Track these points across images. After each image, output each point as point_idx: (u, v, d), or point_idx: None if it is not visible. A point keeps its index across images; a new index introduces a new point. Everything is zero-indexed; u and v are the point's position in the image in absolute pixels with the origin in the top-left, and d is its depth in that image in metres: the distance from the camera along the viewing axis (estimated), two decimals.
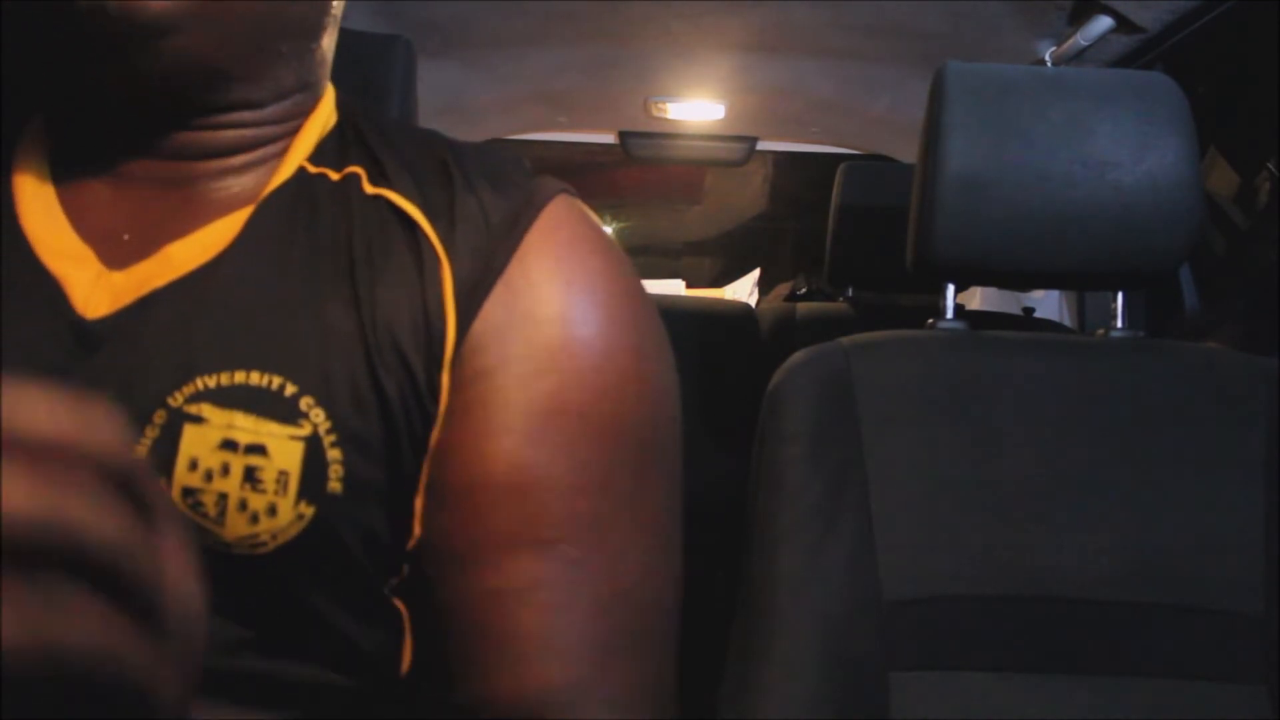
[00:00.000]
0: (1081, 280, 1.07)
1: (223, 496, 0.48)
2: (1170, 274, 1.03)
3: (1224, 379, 0.99)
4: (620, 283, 0.57)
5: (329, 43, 0.61)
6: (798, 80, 2.09)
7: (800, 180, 5.27)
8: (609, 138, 2.63)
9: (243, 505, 0.48)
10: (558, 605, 0.52)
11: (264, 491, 0.48)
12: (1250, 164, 1.70)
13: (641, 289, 0.59)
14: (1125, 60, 1.59)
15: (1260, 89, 1.60)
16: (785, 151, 2.75)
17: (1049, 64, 1.68)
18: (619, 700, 0.53)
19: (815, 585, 0.91)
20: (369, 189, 0.55)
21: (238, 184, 0.56)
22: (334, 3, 0.60)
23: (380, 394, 0.51)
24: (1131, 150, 0.97)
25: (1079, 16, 1.55)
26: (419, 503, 0.52)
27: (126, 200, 0.55)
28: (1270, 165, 1.64)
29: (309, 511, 0.49)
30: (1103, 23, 1.50)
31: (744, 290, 4.42)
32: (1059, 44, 1.65)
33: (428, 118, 2.15)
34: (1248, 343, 1.50)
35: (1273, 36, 1.44)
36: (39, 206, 0.54)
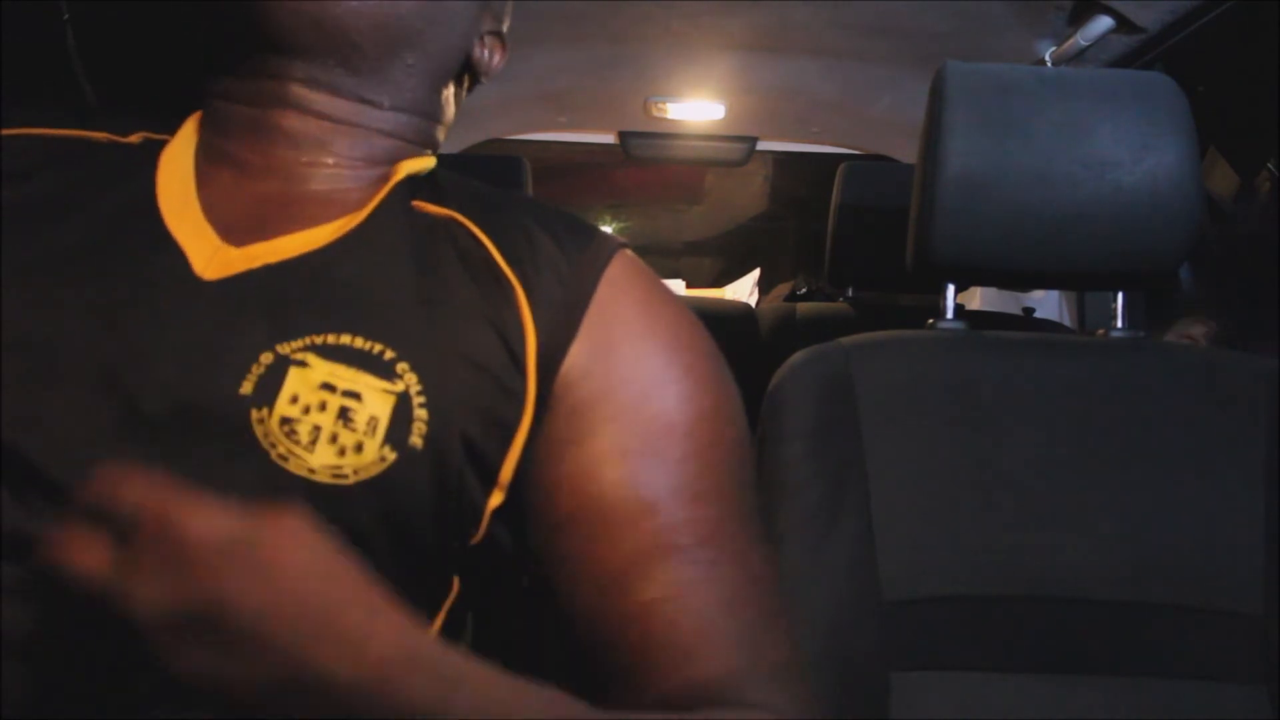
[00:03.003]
0: (1081, 280, 1.07)
1: (316, 428, 0.55)
2: (1170, 274, 1.03)
3: (1224, 379, 0.99)
4: (691, 318, 0.66)
5: (451, 105, 0.73)
6: (798, 80, 2.09)
7: (800, 180, 5.27)
8: (609, 138, 2.63)
9: (333, 438, 0.55)
10: (705, 604, 0.58)
11: (354, 430, 0.55)
12: (1250, 164, 1.70)
13: (700, 321, 0.67)
14: (1125, 60, 1.59)
15: (1260, 89, 1.60)
16: (785, 151, 2.75)
17: (1049, 64, 1.68)
18: (776, 676, 0.59)
19: (815, 585, 0.91)
20: (482, 240, 0.64)
21: (342, 196, 0.65)
22: (461, 88, 0.73)
23: (459, 380, 0.58)
24: (1132, 150, 0.97)
25: (1079, 17, 1.55)
26: (494, 499, 0.59)
27: (248, 194, 0.64)
28: (1270, 165, 1.64)
29: (391, 456, 0.55)
30: (1103, 23, 1.50)
31: (744, 290, 4.41)
32: (1059, 44, 1.65)
33: None
34: (1240, 337, 1.51)
35: (1273, 36, 1.45)
36: (176, 190, 0.63)
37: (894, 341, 1.02)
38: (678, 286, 4.05)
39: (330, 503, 0.54)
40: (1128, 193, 0.97)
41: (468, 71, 0.74)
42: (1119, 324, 1.06)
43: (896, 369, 0.98)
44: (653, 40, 1.92)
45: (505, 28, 0.76)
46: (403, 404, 0.56)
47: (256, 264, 0.60)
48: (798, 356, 1.00)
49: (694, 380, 0.63)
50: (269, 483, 0.54)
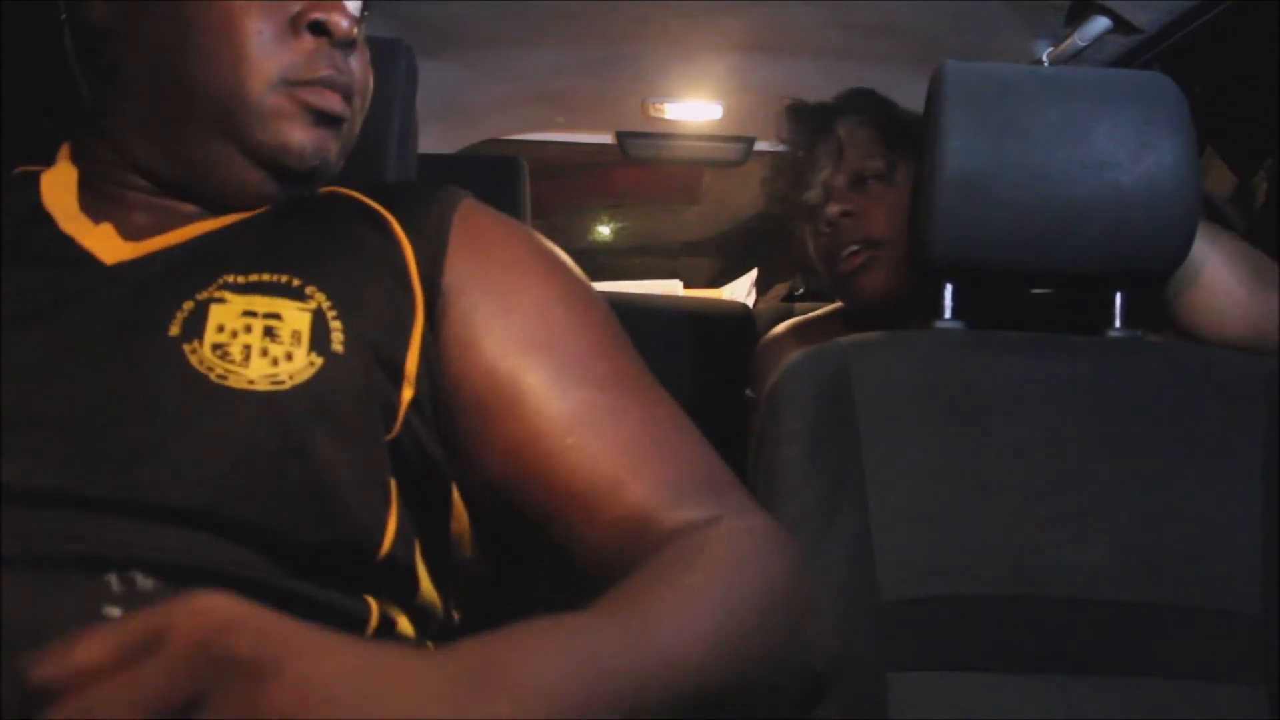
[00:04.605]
0: (1080, 280, 1.07)
1: (246, 347, 0.61)
2: (1169, 274, 1.03)
3: (1224, 379, 0.99)
4: (535, 234, 0.76)
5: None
6: (795, 80, 2.08)
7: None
8: (606, 138, 2.62)
9: (264, 352, 0.61)
10: (621, 434, 0.65)
11: (281, 343, 0.61)
12: (1247, 165, 1.70)
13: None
14: (1122, 61, 1.59)
15: (1257, 90, 1.60)
16: (784, 152, 2.74)
17: (1046, 64, 1.68)
18: (716, 484, 0.65)
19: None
20: (357, 196, 0.74)
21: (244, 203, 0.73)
22: None
23: (360, 296, 0.66)
24: (1130, 150, 0.97)
25: (1076, 17, 1.55)
26: (405, 394, 0.65)
27: (137, 212, 0.71)
28: (1268, 166, 1.64)
29: (319, 361, 0.61)
30: (1100, 23, 1.50)
31: (741, 290, 4.40)
32: (1056, 44, 1.65)
33: (425, 118, 2.14)
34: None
35: (1270, 37, 1.45)
36: (61, 203, 0.70)
37: (892, 341, 1.02)
38: (675, 287, 4.04)
39: (272, 407, 0.59)
40: (1126, 192, 0.97)
41: None
42: (1117, 324, 1.06)
43: (895, 369, 0.98)
44: (650, 40, 1.92)
45: None
46: (319, 318, 0.63)
47: (162, 246, 0.68)
48: (795, 356, 1.00)
49: (555, 276, 0.72)
50: (215, 401, 0.58)
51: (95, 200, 0.71)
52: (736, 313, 2.17)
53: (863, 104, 1.44)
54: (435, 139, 2.16)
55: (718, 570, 0.56)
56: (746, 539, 0.60)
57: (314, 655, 0.38)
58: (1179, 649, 0.91)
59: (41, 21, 0.78)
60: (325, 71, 0.70)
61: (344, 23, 0.70)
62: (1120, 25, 1.49)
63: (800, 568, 0.61)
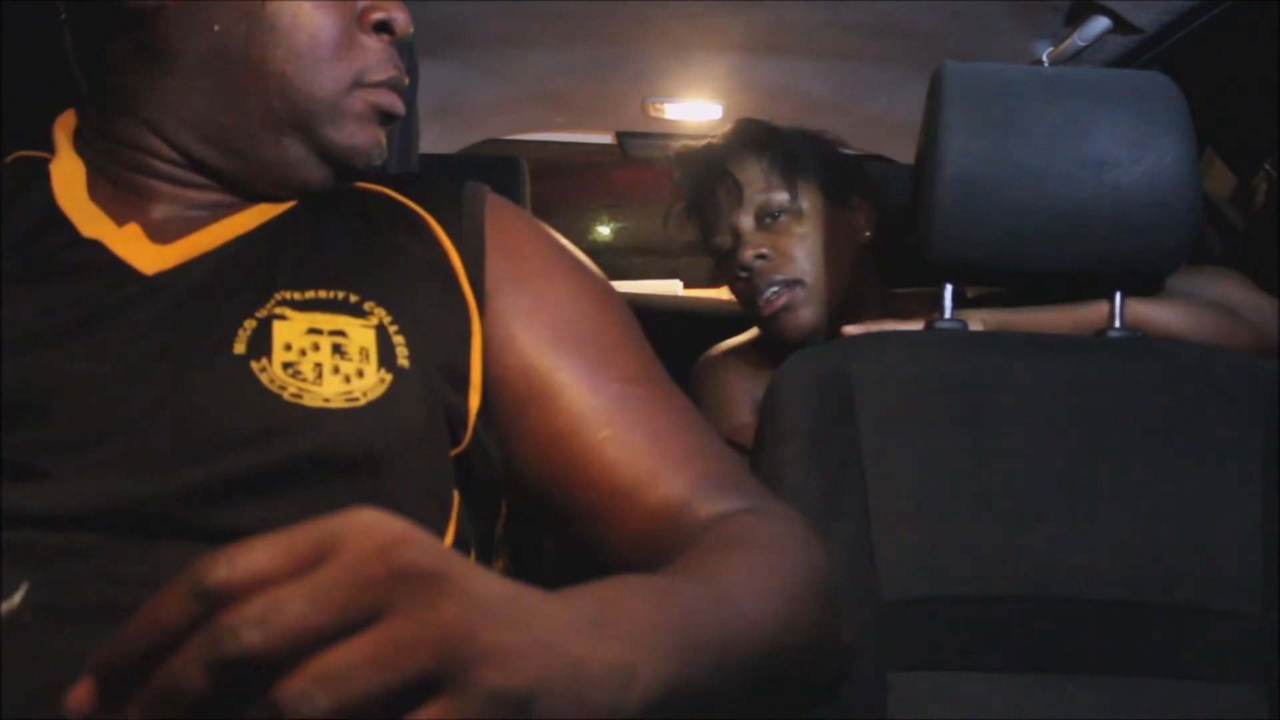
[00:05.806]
0: (1080, 280, 1.07)
1: (317, 365, 0.61)
2: (1169, 274, 1.03)
3: (1224, 379, 0.99)
4: (550, 230, 0.77)
5: None
6: (795, 80, 2.09)
7: None
8: (607, 138, 2.62)
9: (335, 369, 0.61)
10: (654, 428, 0.66)
11: (350, 360, 0.62)
12: (1247, 165, 1.71)
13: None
14: (1122, 61, 1.59)
15: (1257, 90, 1.60)
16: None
17: (1046, 65, 1.68)
18: (741, 481, 0.67)
19: None
20: (387, 192, 0.74)
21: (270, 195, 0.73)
22: None
23: (417, 306, 0.66)
24: (1130, 150, 0.97)
25: (1076, 17, 1.55)
26: (473, 401, 0.66)
27: (175, 197, 0.70)
28: (1267, 166, 1.64)
29: (388, 378, 0.62)
30: (1100, 23, 1.50)
31: None
32: (1056, 44, 1.65)
33: (425, 118, 2.15)
34: None
35: (1270, 37, 1.45)
36: (74, 198, 0.68)
37: (892, 340, 1.02)
38: (675, 287, 4.05)
39: (349, 424, 0.60)
40: (1126, 192, 0.97)
41: None
42: (1117, 324, 1.06)
43: (895, 368, 0.98)
44: (650, 40, 1.92)
45: None
46: (382, 334, 0.63)
47: (197, 252, 0.66)
48: (796, 355, 1.00)
49: (581, 273, 0.74)
50: (290, 419, 0.58)
51: (110, 192, 0.69)
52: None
53: (750, 136, 1.42)
54: (435, 139, 2.16)
55: (767, 551, 0.57)
56: (782, 525, 0.61)
57: (476, 574, 0.39)
58: (1179, 649, 0.91)
59: (42, 21, 0.77)
60: (392, 73, 0.72)
61: (402, 19, 0.71)
62: (1120, 25, 1.49)
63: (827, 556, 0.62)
